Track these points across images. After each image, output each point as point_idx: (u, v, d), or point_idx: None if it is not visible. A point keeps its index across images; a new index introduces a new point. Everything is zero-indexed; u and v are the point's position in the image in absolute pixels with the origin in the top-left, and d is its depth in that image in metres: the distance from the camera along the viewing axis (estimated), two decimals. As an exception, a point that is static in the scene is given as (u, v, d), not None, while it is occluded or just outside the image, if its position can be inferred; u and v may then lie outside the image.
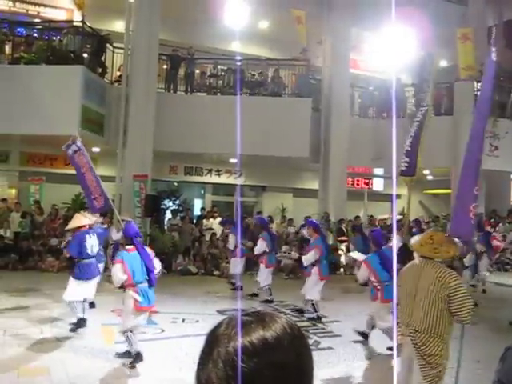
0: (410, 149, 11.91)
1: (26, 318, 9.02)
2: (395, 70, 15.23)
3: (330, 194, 18.39)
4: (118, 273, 6.76)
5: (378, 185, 22.84)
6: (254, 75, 18.41)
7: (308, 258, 10.19)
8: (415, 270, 4.87)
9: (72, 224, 8.94)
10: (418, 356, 4.63)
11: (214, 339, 1.05)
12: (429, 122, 13.15)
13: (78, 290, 8.46)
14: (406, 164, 11.86)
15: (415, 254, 5.02)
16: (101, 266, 9.81)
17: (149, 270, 6.90)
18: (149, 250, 7.19)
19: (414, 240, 5.14)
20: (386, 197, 22.10)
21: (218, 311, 10.29)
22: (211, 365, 1.01)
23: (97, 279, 9.00)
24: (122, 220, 9.02)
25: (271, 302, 11.47)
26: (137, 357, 6.72)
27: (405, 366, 4.79)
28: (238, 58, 18.33)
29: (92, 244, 8.79)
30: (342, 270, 16.88)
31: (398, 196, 24.05)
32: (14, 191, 18.59)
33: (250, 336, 1.02)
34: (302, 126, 17.22)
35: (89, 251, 8.65)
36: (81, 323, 8.40)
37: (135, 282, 6.79)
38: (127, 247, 7.02)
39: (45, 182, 16.93)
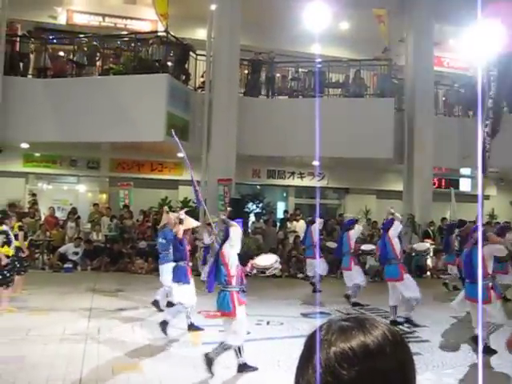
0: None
1: (118, 318, 9.40)
2: (482, 66, 14.63)
3: (415, 195, 17.92)
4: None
5: (465, 185, 22.05)
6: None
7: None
8: None
9: (187, 225, 8.70)
10: None
11: (314, 344, 1.02)
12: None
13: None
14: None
15: None
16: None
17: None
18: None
19: None
20: (474, 198, 21.27)
21: (302, 314, 10.30)
22: (311, 370, 0.99)
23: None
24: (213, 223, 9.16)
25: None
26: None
27: None
28: (319, 60, 18.26)
29: None
30: (428, 273, 16.42)
31: (486, 197, 23.11)
32: (104, 196, 19.49)
33: (351, 342, 0.99)
34: (385, 127, 16.93)
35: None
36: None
37: None
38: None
39: (133, 187, 17.55)
